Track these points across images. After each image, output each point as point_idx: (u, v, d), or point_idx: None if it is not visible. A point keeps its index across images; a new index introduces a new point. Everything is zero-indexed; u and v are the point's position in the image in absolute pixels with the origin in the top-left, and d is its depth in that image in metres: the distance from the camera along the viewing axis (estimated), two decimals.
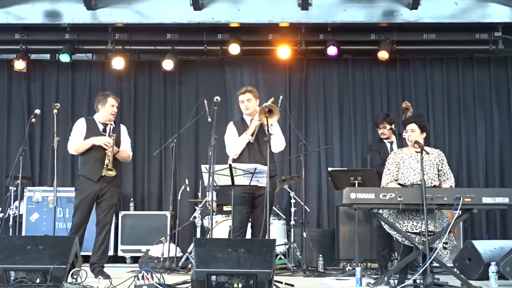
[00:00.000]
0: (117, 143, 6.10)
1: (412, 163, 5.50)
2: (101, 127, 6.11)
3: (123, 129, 6.35)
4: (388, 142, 7.13)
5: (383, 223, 5.42)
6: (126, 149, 6.26)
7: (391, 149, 6.92)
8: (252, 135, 5.84)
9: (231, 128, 6.05)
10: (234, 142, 5.93)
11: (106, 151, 5.93)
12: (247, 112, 6.00)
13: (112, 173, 5.93)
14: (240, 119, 6.16)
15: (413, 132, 5.54)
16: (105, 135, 6.05)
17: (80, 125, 6.14)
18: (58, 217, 7.21)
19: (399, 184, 5.52)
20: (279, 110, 5.88)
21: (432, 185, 5.43)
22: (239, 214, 5.79)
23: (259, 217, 5.78)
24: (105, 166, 5.90)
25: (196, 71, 9.40)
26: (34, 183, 8.91)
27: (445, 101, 9.12)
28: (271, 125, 5.65)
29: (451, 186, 5.55)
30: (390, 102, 9.16)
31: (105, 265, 6.11)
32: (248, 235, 6.02)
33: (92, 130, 6.08)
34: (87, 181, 6.01)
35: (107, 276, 5.64)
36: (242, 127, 5.98)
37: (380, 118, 7.31)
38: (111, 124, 6.12)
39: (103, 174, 5.93)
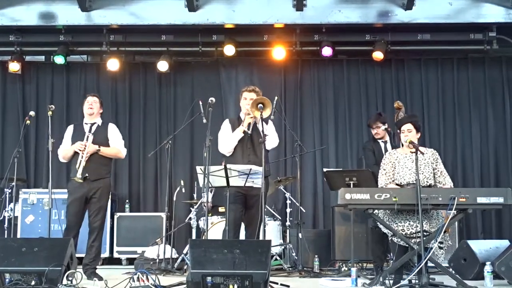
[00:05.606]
0: (101, 141, 6.17)
1: (407, 162, 5.51)
2: (87, 128, 6.21)
3: (111, 127, 6.40)
4: (382, 141, 7.12)
5: (378, 223, 5.43)
6: (115, 146, 6.31)
7: (385, 149, 6.93)
8: (248, 128, 5.80)
9: (226, 125, 6.02)
10: (227, 138, 5.89)
11: (80, 156, 6.01)
12: (245, 111, 5.92)
13: (77, 180, 5.98)
14: (236, 117, 6.12)
15: (410, 132, 5.55)
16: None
17: (66, 133, 6.32)
18: (53, 219, 7.25)
19: (396, 184, 5.53)
20: (272, 107, 5.84)
21: (428, 184, 5.44)
22: (233, 213, 5.77)
23: (253, 218, 5.76)
24: (77, 170, 5.98)
25: (191, 72, 9.39)
26: (29, 185, 8.88)
27: (440, 101, 9.13)
28: (266, 122, 5.60)
29: (451, 186, 5.56)
30: (385, 103, 9.15)
31: (98, 266, 6.15)
32: (242, 236, 6.01)
33: (77, 134, 6.21)
34: (75, 183, 6.06)
35: (100, 278, 5.67)
36: (237, 125, 5.93)
37: (372, 118, 7.32)
38: (96, 123, 6.25)
39: (78, 177, 5.98)
